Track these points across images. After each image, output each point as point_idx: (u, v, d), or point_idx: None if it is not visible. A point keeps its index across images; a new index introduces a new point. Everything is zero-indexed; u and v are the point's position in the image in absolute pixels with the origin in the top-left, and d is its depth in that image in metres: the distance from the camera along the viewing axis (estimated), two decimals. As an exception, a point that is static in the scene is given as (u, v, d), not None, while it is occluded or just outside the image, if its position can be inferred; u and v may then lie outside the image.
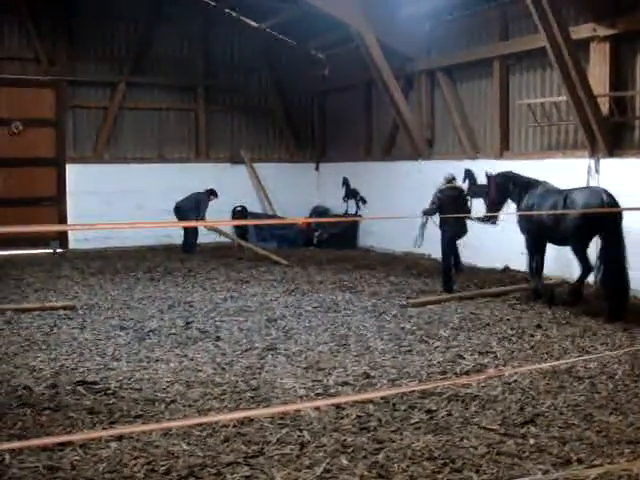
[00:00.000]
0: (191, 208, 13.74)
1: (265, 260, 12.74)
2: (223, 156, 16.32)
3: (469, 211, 9.82)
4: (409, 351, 6.92)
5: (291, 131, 17.06)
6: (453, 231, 9.78)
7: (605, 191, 8.35)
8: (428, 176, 12.12)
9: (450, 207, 9.52)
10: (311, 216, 16.17)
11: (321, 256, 13.71)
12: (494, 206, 9.36)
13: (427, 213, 9.82)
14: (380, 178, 14.32)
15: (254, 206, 16.12)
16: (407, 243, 12.47)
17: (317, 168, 17.17)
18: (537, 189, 9.06)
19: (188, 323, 8.20)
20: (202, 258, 13.47)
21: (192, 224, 13.41)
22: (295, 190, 16.39)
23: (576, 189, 8.66)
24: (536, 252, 9.01)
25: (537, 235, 8.93)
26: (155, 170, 15.42)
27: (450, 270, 9.87)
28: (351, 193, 15.75)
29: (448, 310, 8.75)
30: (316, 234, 15.22)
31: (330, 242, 15.03)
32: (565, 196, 8.54)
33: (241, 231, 15.16)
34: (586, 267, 8.43)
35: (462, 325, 7.97)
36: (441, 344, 7.16)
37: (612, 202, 8.22)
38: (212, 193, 14.34)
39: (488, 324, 7.99)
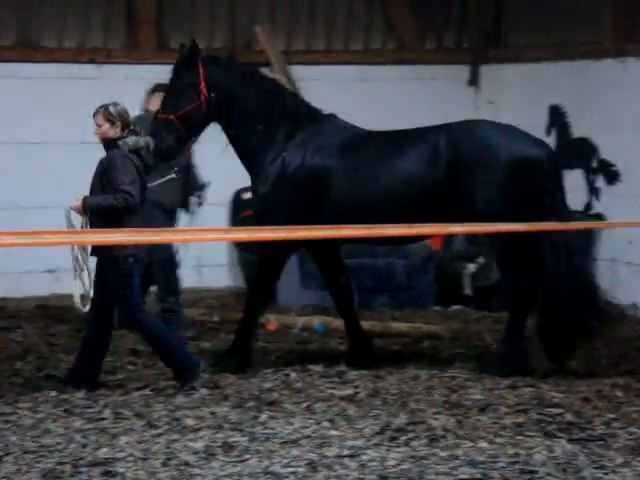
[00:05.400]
0: None
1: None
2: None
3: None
4: None
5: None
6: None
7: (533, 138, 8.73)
8: None
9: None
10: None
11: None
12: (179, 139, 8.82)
13: None
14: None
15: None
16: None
17: (475, 80, 13.72)
18: (324, 127, 8.78)
19: None
20: None
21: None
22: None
23: (454, 125, 8.55)
24: (277, 270, 8.94)
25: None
26: None
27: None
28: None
29: None
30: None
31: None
32: (448, 140, 8.38)
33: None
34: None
35: None
36: None
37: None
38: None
39: None
